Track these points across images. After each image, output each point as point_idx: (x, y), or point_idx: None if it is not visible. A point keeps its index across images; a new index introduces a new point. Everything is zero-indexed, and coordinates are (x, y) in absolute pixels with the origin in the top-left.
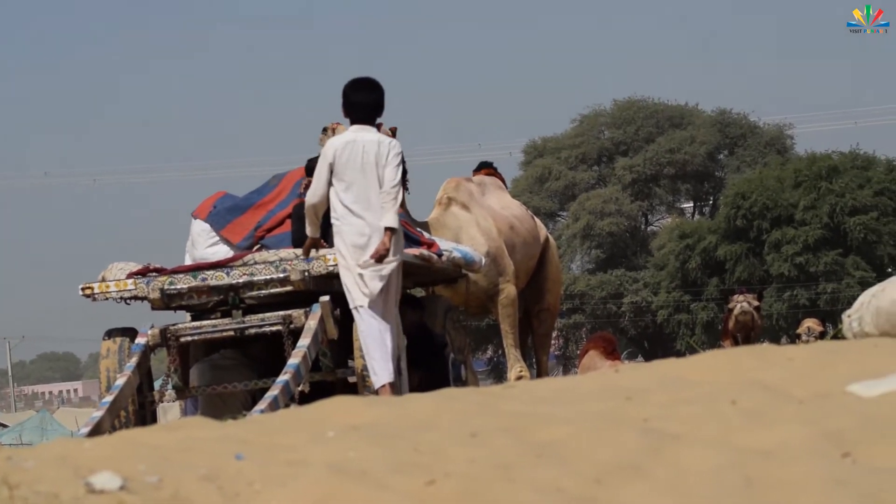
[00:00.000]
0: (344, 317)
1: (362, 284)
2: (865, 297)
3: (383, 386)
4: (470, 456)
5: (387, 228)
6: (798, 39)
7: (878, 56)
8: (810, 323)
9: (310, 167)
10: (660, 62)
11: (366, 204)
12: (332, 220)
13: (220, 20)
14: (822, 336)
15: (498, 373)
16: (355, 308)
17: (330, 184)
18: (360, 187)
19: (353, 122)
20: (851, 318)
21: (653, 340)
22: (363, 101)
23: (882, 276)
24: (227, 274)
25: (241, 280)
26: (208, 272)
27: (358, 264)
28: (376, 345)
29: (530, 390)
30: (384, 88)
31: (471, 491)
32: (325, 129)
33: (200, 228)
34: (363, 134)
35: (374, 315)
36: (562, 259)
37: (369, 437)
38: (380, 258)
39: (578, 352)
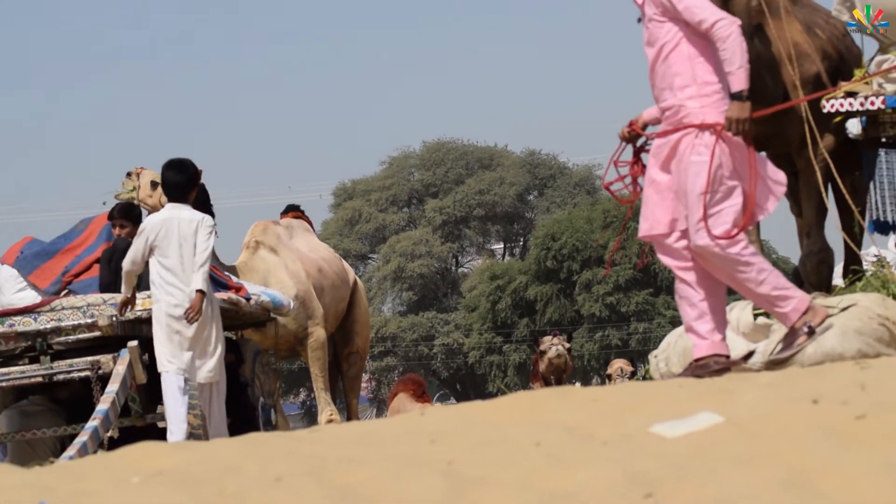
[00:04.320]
0: (153, 362)
1: (171, 353)
2: (672, 338)
3: None
4: (274, 500)
5: (197, 291)
6: (605, 79)
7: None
8: (621, 363)
9: (113, 214)
10: (468, 104)
11: (181, 276)
12: (151, 288)
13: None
14: (633, 376)
15: (311, 416)
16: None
17: (147, 256)
18: (176, 261)
19: (169, 200)
20: (658, 359)
21: (465, 382)
22: (173, 182)
23: None
24: (35, 320)
25: (48, 326)
26: (16, 318)
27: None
28: (175, 404)
29: (335, 433)
30: (196, 168)
31: None
32: (129, 174)
33: (8, 274)
34: (178, 212)
35: (179, 378)
36: (373, 301)
37: (174, 482)
38: (191, 319)
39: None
